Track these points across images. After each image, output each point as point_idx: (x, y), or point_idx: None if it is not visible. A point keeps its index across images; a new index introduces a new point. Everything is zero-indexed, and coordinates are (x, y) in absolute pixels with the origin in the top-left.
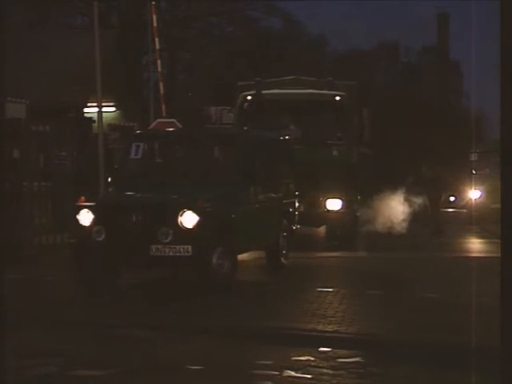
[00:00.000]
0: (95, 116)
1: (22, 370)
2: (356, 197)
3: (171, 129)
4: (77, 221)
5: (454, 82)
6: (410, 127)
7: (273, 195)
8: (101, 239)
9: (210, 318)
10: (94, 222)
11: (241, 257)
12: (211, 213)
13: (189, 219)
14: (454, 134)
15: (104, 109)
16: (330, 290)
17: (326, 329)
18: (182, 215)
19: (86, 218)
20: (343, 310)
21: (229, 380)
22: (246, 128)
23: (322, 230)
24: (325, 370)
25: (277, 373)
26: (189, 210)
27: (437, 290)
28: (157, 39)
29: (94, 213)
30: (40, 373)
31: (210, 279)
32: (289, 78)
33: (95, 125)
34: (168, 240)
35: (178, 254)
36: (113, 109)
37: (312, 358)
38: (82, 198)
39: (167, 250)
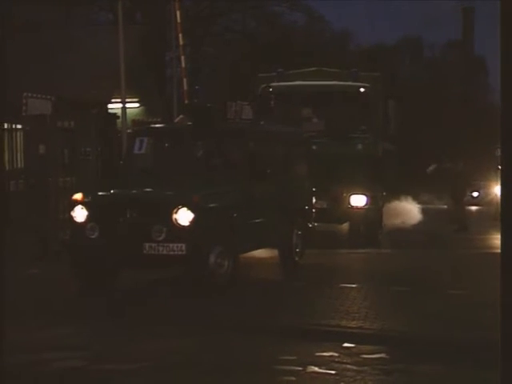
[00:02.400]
0: (119, 112)
1: (49, 363)
2: (381, 192)
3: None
4: (71, 217)
5: (479, 77)
6: (434, 122)
7: (285, 192)
8: (94, 236)
9: (233, 314)
10: (88, 218)
11: (259, 254)
12: (209, 210)
13: (183, 216)
14: (478, 129)
15: (128, 105)
16: (354, 285)
17: (350, 325)
18: (176, 212)
19: (80, 214)
20: (367, 306)
21: (252, 375)
22: (262, 122)
23: (345, 226)
24: (349, 366)
25: (300, 368)
26: (184, 206)
27: (463, 287)
28: (180, 35)
29: (88, 209)
30: (66, 366)
31: (205, 279)
32: (311, 69)
33: (119, 121)
34: (161, 238)
35: (171, 253)
36: (137, 105)
37: (336, 354)
38: (78, 193)
39: (161, 249)
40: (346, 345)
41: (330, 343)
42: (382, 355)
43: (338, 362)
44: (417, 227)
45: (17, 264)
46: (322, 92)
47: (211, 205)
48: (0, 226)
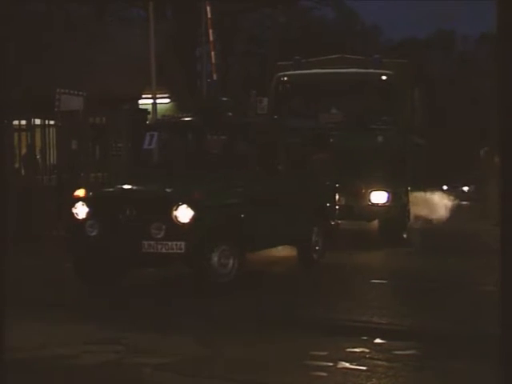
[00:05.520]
0: (150, 107)
1: (81, 356)
2: (405, 188)
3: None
4: (71, 214)
5: None
6: (466, 117)
7: (303, 189)
8: (94, 234)
9: (259, 310)
10: (88, 215)
11: (280, 252)
12: (211, 207)
13: (183, 213)
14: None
15: (158, 100)
16: (384, 281)
17: (381, 321)
18: (176, 209)
19: (80, 210)
20: (398, 302)
21: (283, 370)
22: (276, 116)
23: (369, 224)
24: (380, 362)
25: (331, 364)
26: (183, 203)
27: (495, 284)
28: (211, 30)
29: (88, 206)
30: (99, 360)
31: (207, 278)
32: (333, 56)
33: (150, 116)
34: (160, 236)
35: (170, 251)
36: (167, 100)
37: (367, 350)
38: (80, 189)
39: (159, 247)
40: (377, 341)
41: (360, 339)
42: (414, 351)
43: (369, 357)
44: (448, 224)
45: (53, 258)
46: (340, 80)
47: (214, 202)
48: (2, 224)
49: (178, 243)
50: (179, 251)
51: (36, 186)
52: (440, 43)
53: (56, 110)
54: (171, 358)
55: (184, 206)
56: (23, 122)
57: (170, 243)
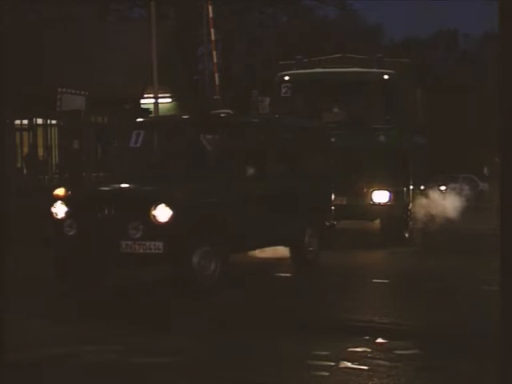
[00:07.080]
0: (152, 107)
1: (82, 356)
2: (407, 187)
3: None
4: (51, 213)
5: None
6: (468, 118)
7: (296, 189)
8: (72, 233)
9: (261, 310)
10: (67, 214)
11: (280, 253)
12: (191, 207)
13: (161, 213)
14: None
15: (160, 100)
16: (386, 281)
17: (383, 320)
18: (154, 208)
19: (60, 210)
20: (400, 301)
21: (285, 370)
22: (278, 114)
23: (368, 223)
24: (382, 362)
25: (333, 363)
26: (162, 202)
27: (498, 283)
28: (212, 30)
29: (67, 205)
30: (100, 359)
31: (188, 280)
32: (334, 56)
33: (152, 116)
34: (138, 236)
35: (148, 252)
36: (169, 100)
37: (369, 350)
38: (60, 189)
39: (137, 247)
40: (379, 340)
41: (362, 339)
42: (416, 351)
43: (370, 357)
44: (453, 224)
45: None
46: (342, 80)
47: (195, 202)
48: (2, 224)
49: (156, 243)
50: (157, 251)
51: (37, 186)
52: (442, 43)
53: (58, 109)
54: (171, 357)
55: (162, 205)
56: (25, 122)
57: (147, 243)
